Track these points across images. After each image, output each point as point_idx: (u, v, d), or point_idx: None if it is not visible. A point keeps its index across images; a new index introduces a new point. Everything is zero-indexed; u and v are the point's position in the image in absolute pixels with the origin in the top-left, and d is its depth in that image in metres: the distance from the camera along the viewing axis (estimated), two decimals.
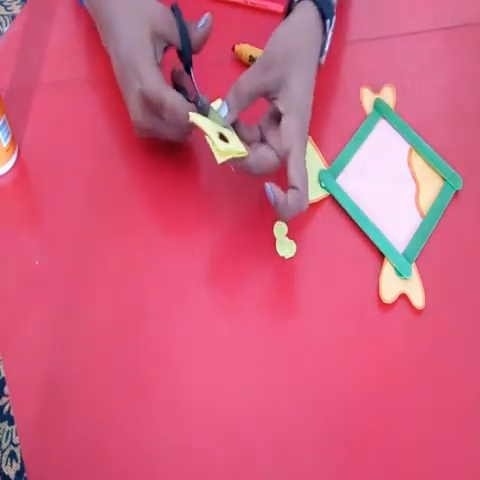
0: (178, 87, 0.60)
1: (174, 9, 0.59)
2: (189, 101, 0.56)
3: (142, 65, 0.56)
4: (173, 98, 0.54)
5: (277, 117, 0.56)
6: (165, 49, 0.59)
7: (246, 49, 0.69)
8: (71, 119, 0.66)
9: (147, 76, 0.55)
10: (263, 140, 0.57)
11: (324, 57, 0.61)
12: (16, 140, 0.63)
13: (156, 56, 0.57)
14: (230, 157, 0.53)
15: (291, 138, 0.54)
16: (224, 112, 0.56)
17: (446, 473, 0.51)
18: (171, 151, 0.63)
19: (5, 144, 0.60)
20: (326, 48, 0.61)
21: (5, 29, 1.59)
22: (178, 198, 0.61)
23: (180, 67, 0.60)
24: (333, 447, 0.52)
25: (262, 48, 0.68)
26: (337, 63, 0.71)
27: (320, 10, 0.59)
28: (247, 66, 0.69)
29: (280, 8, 0.74)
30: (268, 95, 0.57)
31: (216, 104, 0.57)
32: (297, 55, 0.57)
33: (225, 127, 0.56)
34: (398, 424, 0.53)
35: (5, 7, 1.63)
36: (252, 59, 0.69)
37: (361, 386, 0.54)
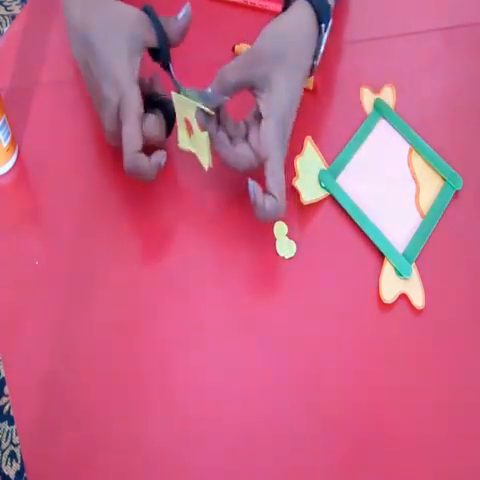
0: (153, 95, 0.59)
1: (147, 10, 0.58)
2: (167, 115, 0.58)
3: (123, 79, 0.55)
4: (130, 130, 0.54)
5: (260, 115, 0.56)
6: (144, 51, 0.58)
7: (246, 49, 0.69)
8: (71, 119, 0.66)
9: (128, 92, 0.54)
10: (247, 136, 0.57)
11: (318, 60, 0.61)
12: (16, 140, 0.63)
13: (135, 69, 0.56)
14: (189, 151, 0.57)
15: (269, 146, 0.54)
16: (210, 94, 0.56)
17: (446, 472, 0.51)
18: (171, 151, 0.63)
19: (5, 144, 0.60)
20: (321, 50, 0.61)
21: (5, 29, 1.59)
22: (178, 198, 0.61)
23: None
24: (333, 447, 0.52)
25: None
26: (337, 63, 0.71)
27: (315, 12, 0.58)
28: None
29: (280, 8, 0.73)
30: (252, 90, 0.56)
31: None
32: (285, 56, 0.56)
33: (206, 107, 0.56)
34: (398, 424, 0.53)
35: (5, 7, 1.63)
36: None
37: (361, 386, 0.54)
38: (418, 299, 0.57)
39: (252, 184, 0.54)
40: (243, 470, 0.50)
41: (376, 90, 0.69)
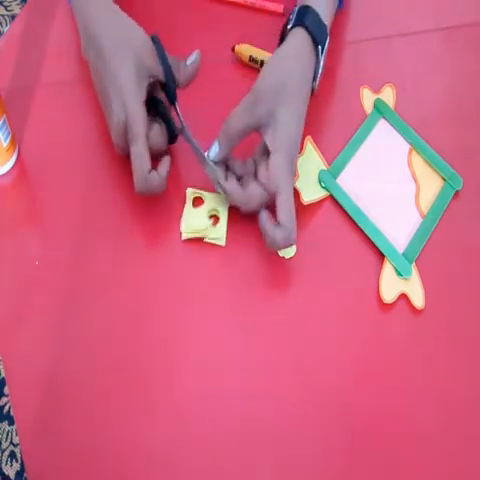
0: (153, 100, 0.59)
1: (155, 41, 0.58)
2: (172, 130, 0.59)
3: (132, 104, 0.55)
4: (138, 152, 0.55)
5: (267, 150, 0.56)
6: (149, 83, 0.58)
7: (246, 49, 0.69)
8: (71, 119, 0.66)
9: (136, 117, 0.55)
10: (256, 173, 0.58)
11: (318, 81, 0.61)
12: (16, 140, 0.63)
13: (142, 93, 0.56)
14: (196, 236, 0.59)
15: (279, 179, 0.55)
16: (215, 151, 0.57)
17: (446, 472, 0.51)
18: (171, 151, 0.63)
19: (5, 144, 0.60)
20: (320, 71, 0.61)
21: (5, 29, 1.59)
22: (178, 198, 0.61)
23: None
24: (333, 446, 0.52)
25: (262, 48, 0.69)
26: (337, 63, 0.71)
27: (311, 35, 0.58)
28: (247, 66, 0.70)
29: (279, 8, 0.74)
30: (258, 130, 0.57)
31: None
32: (286, 89, 0.56)
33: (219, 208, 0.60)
34: (399, 423, 0.53)
35: (5, 7, 1.63)
36: (252, 59, 0.69)
37: (362, 385, 0.54)
38: (418, 299, 0.57)
39: (264, 215, 0.55)
40: (243, 470, 0.50)
41: (376, 90, 0.69)
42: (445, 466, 0.52)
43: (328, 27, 0.61)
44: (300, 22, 0.59)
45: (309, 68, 0.59)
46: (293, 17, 0.60)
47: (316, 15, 0.59)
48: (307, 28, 0.58)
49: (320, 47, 0.59)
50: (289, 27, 0.59)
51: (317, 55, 0.59)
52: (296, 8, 0.60)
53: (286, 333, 0.56)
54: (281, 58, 0.58)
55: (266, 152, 0.57)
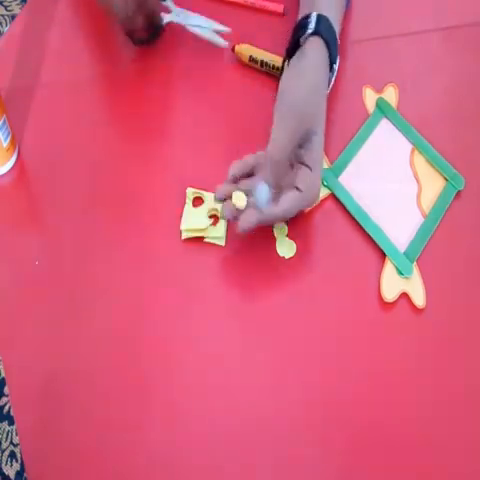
0: None
1: None
2: None
3: None
4: None
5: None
6: None
7: (246, 49, 0.69)
8: (71, 119, 0.66)
9: None
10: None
11: (329, 90, 0.62)
12: (16, 140, 0.63)
13: None
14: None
15: (316, 192, 0.57)
16: (266, 194, 0.55)
17: (446, 472, 0.51)
18: (170, 151, 0.63)
19: (5, 144, 0.60)
20: (332, 81, 0.61)
21: (5, 29, 1.59)
22: (178, 198, 0.61)
23: None
24: (333, 446, 0.52)
25: (262, 48, 0.69)
26: (339, 63, 0.71)
27: (328, 48, 0.58)
28: (247, 66, 0.69)
29: (280, 8, 0.74)
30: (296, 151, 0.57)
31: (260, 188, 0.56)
32: (319, 111, 0.57)
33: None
34: (399, 422, 0.53)
35: (5, 7, 1.63)
36: (252, 59, 0.69)
37: (362, 385, 0.54)
38: (419, 298, 0.57)
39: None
40: (243, 470, 0.50)
41: (378, 90, 0.69)
42: (445, 466, 0.52)
43: (337, 34, 0.61)
44: (317, 31, 0.58)
45: (326, 81, 0.60)
46: (311, 25, 0.58)
47: (331, 27, 0.59)
48: (324, 39, 0.58)
49: (335, 65, 0.60)
50: (305, 35, 0.58)
51: (331, 66, 0.60)
52: (313, 15, 0.59)
53: (286, 333, 0.56)
54: (304, 71, 0.58)
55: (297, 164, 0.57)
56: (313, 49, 0.58)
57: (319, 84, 0.58)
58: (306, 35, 0.58)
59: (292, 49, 0.60)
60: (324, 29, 0.58)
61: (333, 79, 0.61)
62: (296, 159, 0.57)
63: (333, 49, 0.59)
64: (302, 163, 0.56)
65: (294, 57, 0.59)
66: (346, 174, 0.64)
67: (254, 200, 0.55)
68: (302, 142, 0.56)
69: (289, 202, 0.55)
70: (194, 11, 0.68)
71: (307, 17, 0.59)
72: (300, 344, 0.55)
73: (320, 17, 0.59)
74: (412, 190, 0.64)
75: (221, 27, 0.67)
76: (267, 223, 0.57)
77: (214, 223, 0.59)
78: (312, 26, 0.58)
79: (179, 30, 0.67)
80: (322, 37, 0.58)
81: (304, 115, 0.56)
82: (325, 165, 0.63)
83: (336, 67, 0.61)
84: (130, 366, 0.54)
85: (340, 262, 0.59)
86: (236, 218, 0.55)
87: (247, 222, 0.55)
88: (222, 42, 0.66)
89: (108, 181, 0.62)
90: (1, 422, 1.13)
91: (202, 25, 0.67)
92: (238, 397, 0.53)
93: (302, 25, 0.59)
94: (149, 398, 0.53)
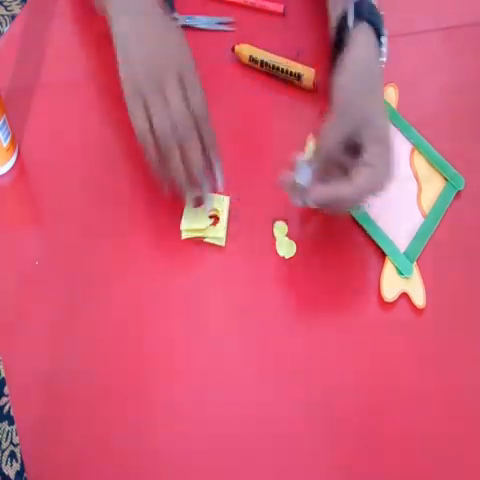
0: None
1: None
2: None
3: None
4: None
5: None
6: None
7: (246, 49, 0.69)
8: (71, 119, 0.66)
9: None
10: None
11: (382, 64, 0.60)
12: (16, 140, 0.63)
13: None
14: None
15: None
16: (307, 177, 0.54)
17: (446, 472, 0.51)
18: None
19: (5, 144, 0.60)
20: (384, 57, 0.60)
21: (5, 29, 1.59)
22: (179, 198, 0.61)
23: None
24: (333, 447, 0.52)
25: (262, 48, 0.69)
26: None
27: (376, 29, 0.57)
28: (247, 66, 0.70)
29: (280, 8, 0.74)
30: (356, 137, 0.55)
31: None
32: (375, 108, 0.55)
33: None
34: (399, 422, 0.53)
35: (5, 7, 1.63)
36: (252, 59, 0.69)
37: (362, 385, 0.54)
38: (419, 298, 0.57)
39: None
40: (244, 470, 0.50)
41: None
42: (445, 466, 0.52)
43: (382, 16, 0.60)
44: (360, 16, 0.57)
45: (377, 59, 0.58)
46: (350, 13, 0.58)
47: (372, 6, 0.59)
48: (369, 21, 0.57)
49: (383, 38, 0.58)
50: (350, 24, 0.58)
51: (380, 44, 0.58)
52: (352, 2, 0.58)
53: (286, 333, 0.56)
54: (355, 60, 0.57)
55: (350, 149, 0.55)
56: (360, 37, 0.57)
57: (374, 77, 0.57)
58: (351, 26, 0.58)
59: (339, 40, 0.59)
60: (363, 11, 0.58)
61: (385, 50, 0.60)
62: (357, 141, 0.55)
63: (380, 27, 0.58)
64: (365, 142, 0.54)
65: (345, 50, 0.58)
66: None
67: (298, 179, 0.54)
68: (361, 124, 0.54)
69: (361, 177, 0.53)
70: (195, 11, 0.68)
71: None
72: (300, 344, 0.55)
73: (358, 2, 0.58)
74: (412, 190, 0.64)
75: (224, 19, 0.69)
76: (338, 202, 0.54)
77: (214, 223, 0.60)
78: (350, 13, 0.58)
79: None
80: (364, 20, 0.57)
81: (361, 116, 0.54)
82: None
83: (384, 40, 0.59)
84: (130, 366, 0.54)
85: (340, 262, 0.59)
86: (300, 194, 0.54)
87: (319, 194, 0.53)
88: (228, 28, 0.69)
89: (108, 181, 0.62)
90: (1, 422, 1.13)
91: (206, 22, 0.68)
92: (238, 397, 0.53)
93: (342, 18, 0.59)
94: (149, 398, 0.53)
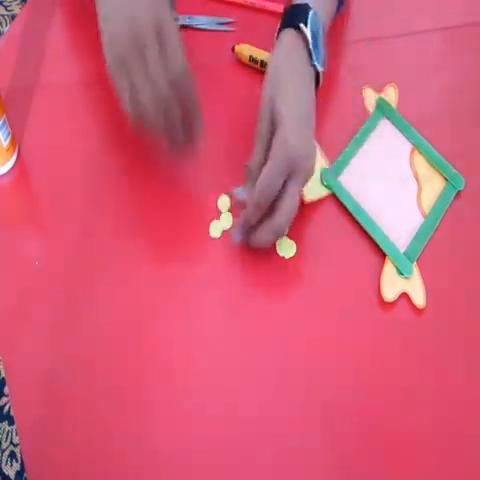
0: None
1: None
2: None
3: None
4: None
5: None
6: None
7: (246, 49, 0.69)
8: (71, 119, 0.66)
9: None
10: None
11: (321, 64, 0.60)
12: (16, 140, 0.63)
13: None
14: None
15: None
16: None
17: (446, 472, 0.51)
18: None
19: (5, 144, 0.60)
20: (320, 54, 0.60)
21: (5, 29, 1.59)
22: (178, 198, 0.61)
23: None
24: (333, 446, 0.52)
25: (262, 48, 0.69)
26: (340, 62, 0.71)
27: (295, 26, 0.58)
28: (247, 66, 0.70)
29: (280, 8, 0.73)
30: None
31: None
32: (279, 78, 0.57)
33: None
34: (399, 422, 0.53)
35: (5, 7, 1.63)
36: (252, 59, 0.69)
37: (362, 385, 0.54)
38: (419, 298, 0.57)
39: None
40: (244, 469, 0.50)
41: (379, 89, 0.69)
42: (445, 466, 0.51)
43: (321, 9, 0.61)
44: (288, 22, 0.59)
45: (297, 54, 0.59)
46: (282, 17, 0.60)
47: (315, 16, 0.59)
48: (292, 23, 0.58)
49: (306, 26, 0.58)
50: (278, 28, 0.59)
51: (307, 40, 0.59)
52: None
53: (286, 333, 0.56)
54: (274, 61, 0.59)
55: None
56: (283, 36, 0.59)
57: (284, 62, 0.59)
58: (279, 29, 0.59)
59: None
60: (291, 15, 0.59)
61: (320, 49, 0.60)
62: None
63: (296, 20, 0.59)
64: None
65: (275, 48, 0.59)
66: (346, 174, 0.64)
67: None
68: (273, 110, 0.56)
69: (262, 174, 0.54)
70: (195, 11, 0.68)
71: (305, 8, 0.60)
72: (300, 344, 0.55)
73: (290, 8, 0.60)
74: (412, 190, 0.64)
75: (224, 19, 0.69)
76: (256, 206, 0.55)
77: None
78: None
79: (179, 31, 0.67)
80: (290, 25, 0.59)
81: (264, 88, 0.57)
82: (325, 165, 0.63)
83: (321, 37, 0.60)
84: (130, 366, 0.54)
85: (340, 262, 0.59)
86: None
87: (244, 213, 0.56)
88: (228, 28, 0.70)
89: (108, 181, 0.62)
90: (1, 422, 1.13)
91: (206, 22, 0.68)
92: (238, 397, 0.53)
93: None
94: (149, 398, 0.53)
